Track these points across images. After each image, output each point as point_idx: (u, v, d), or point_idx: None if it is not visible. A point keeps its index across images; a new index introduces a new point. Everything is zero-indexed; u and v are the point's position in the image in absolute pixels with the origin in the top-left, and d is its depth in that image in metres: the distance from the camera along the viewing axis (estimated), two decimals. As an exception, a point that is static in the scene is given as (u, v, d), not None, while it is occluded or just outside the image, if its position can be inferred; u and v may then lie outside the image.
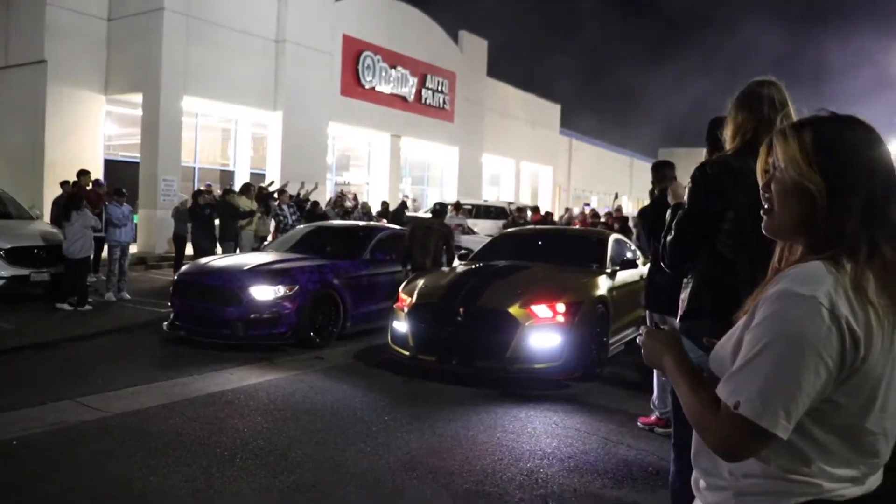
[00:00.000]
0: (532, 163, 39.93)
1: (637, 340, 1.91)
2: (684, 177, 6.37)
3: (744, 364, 1.45)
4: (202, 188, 15.64)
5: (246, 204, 14.64)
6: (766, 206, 1.60)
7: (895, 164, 1.51)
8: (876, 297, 1.42)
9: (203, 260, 10.46)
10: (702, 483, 1.66)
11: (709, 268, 3.19)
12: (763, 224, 1.62)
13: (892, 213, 1.46)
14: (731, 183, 3.07)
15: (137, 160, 19.79)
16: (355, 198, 21.03)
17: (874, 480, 1.53)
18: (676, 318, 3.80)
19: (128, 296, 12.40)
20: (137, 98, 19.62)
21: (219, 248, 13.97)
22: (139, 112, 19.64)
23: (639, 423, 6.33)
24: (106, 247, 12.73)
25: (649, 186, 6.75)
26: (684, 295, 3.37)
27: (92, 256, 12.61)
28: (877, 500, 1.52)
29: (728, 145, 3.23)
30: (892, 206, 1.47)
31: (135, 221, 14.60)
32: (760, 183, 1.63)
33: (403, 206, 22.18)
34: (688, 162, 8.99)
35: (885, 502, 1.57)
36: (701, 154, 3.91)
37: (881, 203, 1.46)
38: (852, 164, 1.48)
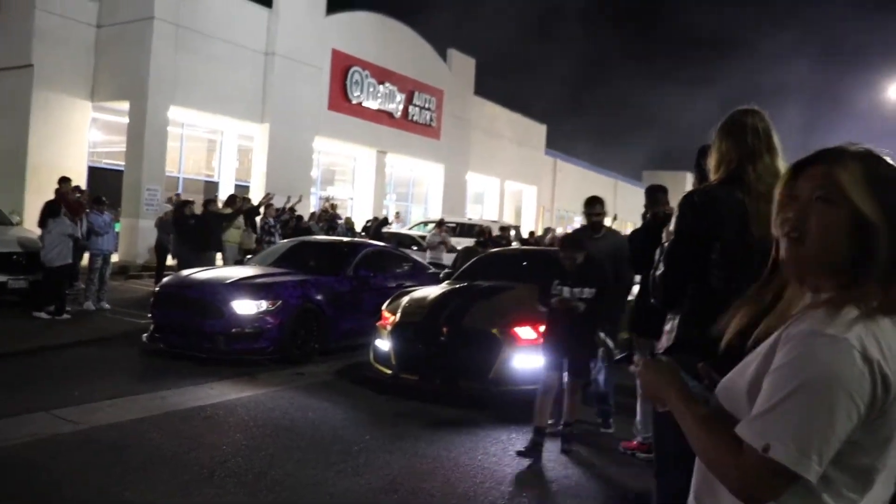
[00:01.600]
0: (516, 182, 40.05)
1: (631, 369, 1.88)
2: (672, 201, 6.41)
3: (772, 406, 1.40)
4: (173, 197, 15.54)
5: (239, 222, 14.51)
6: (794, 235, 1.53)
7: None
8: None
9: (185, 272, 10.37)
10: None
11: (697, 300, 3.15)
12: (785, 254, 1.56)
13: None
14: (718, 212, 3.06)
15: (122, 168, 19.69)
16: (333, 207, 20.96)
17: None
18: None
19: (107, 305, 12.28)
20: (124, 106, 19.54)
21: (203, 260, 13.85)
22: (125, 120, 19.57)
23: (621, 448, 6.31)
24: (87, 255, 12.60)
25: (633, 208, 6.85)
26: (669, 327, 3.34)
27: (71, 264, 12.49)
28: None
29: (712, 175, 3.21)
30: None
31: (116, 230, 14.47)
32: (781, 209, 1.57)
33: (385, 222, 22.06)
34: (672, 184, 9.02)
35: None
36: (685, 178, 3.92)
37: None
38: None
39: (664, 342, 3.42)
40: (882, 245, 1.44)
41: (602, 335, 5.40)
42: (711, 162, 3.22)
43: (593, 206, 7.02)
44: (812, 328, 1.41)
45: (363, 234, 19.51)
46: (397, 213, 27.88)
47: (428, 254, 17.04)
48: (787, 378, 1.40)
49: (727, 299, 3.00)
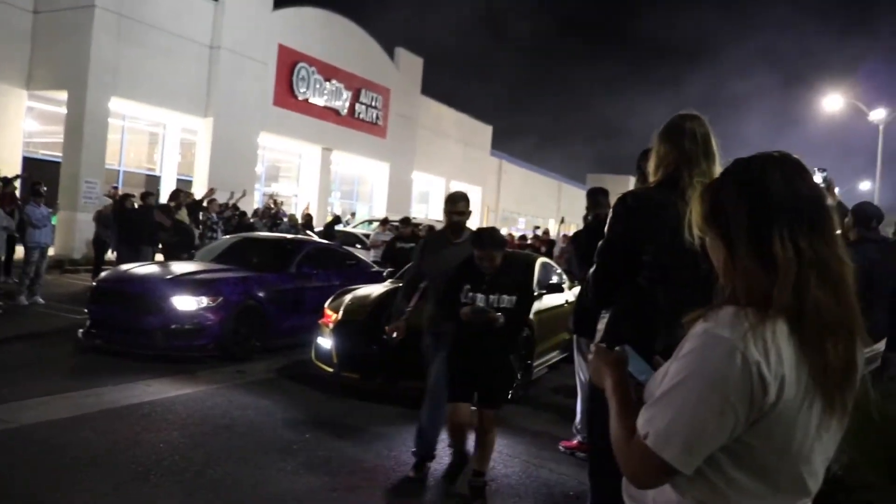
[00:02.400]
0: (462, 182, 40.11)
1: (588, 358, 1.94)
2: (612, 202, 6.50)
3: (661, 396, 1.49)
4: (111, 191, 15.19)
5: (182, 217, 14.20)
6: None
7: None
8: (790, 348, 1.45)
9: (124, 266, 10.16)
10: (631, 490, 1.69)
11: (628, 299, 3.21)
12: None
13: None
14: (652, 215, 3.10)
15: (59, 159, 19.18)
16: (276, 203, 20.67)
17: None
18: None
19: (41, 300, 11.95)
20: (62, 96, 19.04)
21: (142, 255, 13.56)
22: (63, 110, 19.07)
23: (560, 447, 6.38)
24: (22, 248, 12.24)
25: (577, 211, 6.86)
26: (601, 325, 3.41)
27: (4, 258, 12.14)
28: None
29: (651, 178, 3.26)
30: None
31: (53, 223, 14.08)
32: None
33: (337, 220, 21.68)
34: (615, 188, 9.12)
35: None
36: (629, 181, 3.99)
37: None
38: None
39: (597, 338, 3.48)
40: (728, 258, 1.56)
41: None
42: (650, 165, 3.27)
43: (455, 203, 5.59)
44: (707, 327, 1.49)
45: (306, 231, 19.29)
46: (353, 213, 27.70)
47: (372, 252, 16.98)
48: (677, 371, 1.49)
49: (654, 299, 3.07)
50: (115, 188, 16.35)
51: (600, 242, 3.36)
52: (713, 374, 1.42)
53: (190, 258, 11.64)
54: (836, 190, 7.30)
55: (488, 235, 4.97)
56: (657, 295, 3.05)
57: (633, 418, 1.56)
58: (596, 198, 6.42)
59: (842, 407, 1.52)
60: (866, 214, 5.90)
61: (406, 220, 14.81)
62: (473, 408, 5.02)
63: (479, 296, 4.86)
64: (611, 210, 3.38)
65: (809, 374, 1.45)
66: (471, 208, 5.75)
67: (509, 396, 5.26)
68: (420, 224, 18.72)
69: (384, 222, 19.49)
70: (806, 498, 1.57)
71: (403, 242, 12.80)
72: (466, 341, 4.94)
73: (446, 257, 5.38)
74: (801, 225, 1.50)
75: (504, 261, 4.94)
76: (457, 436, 5.12)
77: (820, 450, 1.54)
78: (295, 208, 25.75)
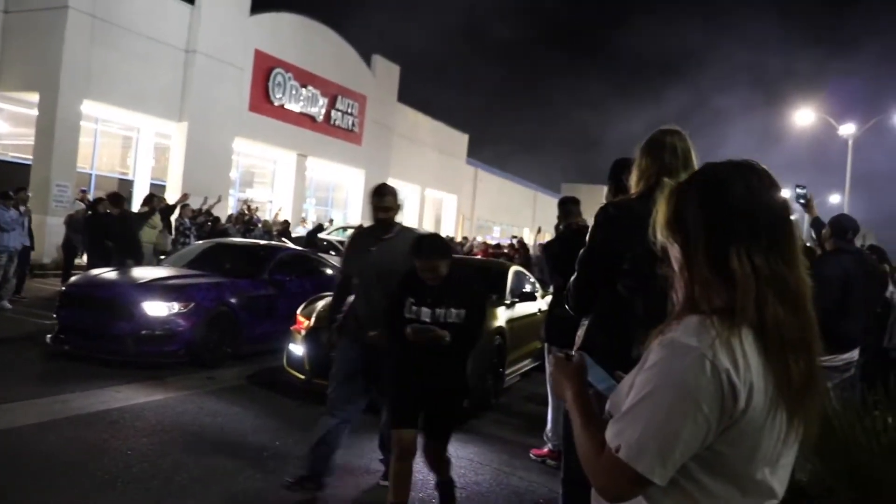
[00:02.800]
0: (437, 190, 40.22)
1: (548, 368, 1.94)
2: (587, 211, 6.55)
3: (629, 409, 1.48)
4: (79, 194, 15.01)
5: (155, 222, 14.09)
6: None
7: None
8: (757, 356, 1.46)
9: (95, 271, 10.05)
10: None
11: (606, 308, 3.25)
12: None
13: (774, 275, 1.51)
14: (632, 225, 3.15)
15: (30, 162, 18.95)
16: (250, 209, 20.53)
17: None
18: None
19: (9, 305, 11.79)
20: (33, 97, 18.83)
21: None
22: (34, 112, 18.85)
23: (531, 455, 6.40)
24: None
25: (551, 220, 6.87)
26: (580, 332, 3.44)
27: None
28: None
29: (633, 189, 3.33)
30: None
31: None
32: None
33: (320, 228, 21.33)
34: (589, 197, 9.23)
35: None
36: (602, 191, 4.03)
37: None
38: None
39: (576, 347, 3.51)
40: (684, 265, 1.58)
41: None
42: (633, 177, 3.34)
43: (382, 197, 5.15)
44: (673, 337, 1.49)
45: (282, 239, 19.18)
46: (331, 220, 27.58)
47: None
48: (644, 383, 1.48)
49: (632, 308, 3.11)
50: (84, 191, 16.14)
51: (581, 251, 3.40)
52: (683, 383, 1.42)
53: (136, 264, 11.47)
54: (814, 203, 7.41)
55: (429, 244, 4.44)
56: (636, 304, 3.10)
57: (599, 430, 1.56)
58: (567, 207, 6.46)
59: (804, 418, 1.54)
60: (842, 226, 6.02)
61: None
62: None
63: (424, 310, 4.36)
64: (593, 219, 3.44)
65: (774, 385, 1.47)
66: (400, 202, 5.29)
67: (464, 407, 4.83)
68: None
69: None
70: (774, 501, 1.59)
71: None
72: (411, 361, 4.43)
73: (375, 255, 5.04)
74: (759, 242, 1.50)
75: (452, 271, 4.44)
76: (401, 468, 4.40)
77: (786, 454, 1.56)
78: (269, 214, 25.64)
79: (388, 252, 5.00)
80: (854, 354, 5.66)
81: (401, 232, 5.21)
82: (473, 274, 5.02)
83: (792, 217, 1.59)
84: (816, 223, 6.69)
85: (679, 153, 3.18)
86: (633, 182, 3.30)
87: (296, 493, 4.91)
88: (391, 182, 27.31)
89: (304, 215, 28.59)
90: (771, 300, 1.47)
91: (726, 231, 1.51)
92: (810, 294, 1.55)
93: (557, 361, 1.83)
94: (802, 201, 6.83)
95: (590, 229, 3.38)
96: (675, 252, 1.61)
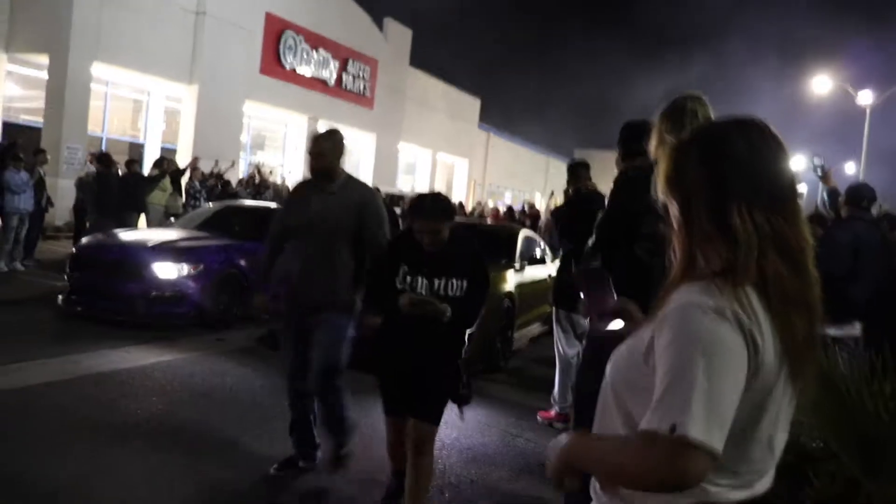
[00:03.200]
0: (449, 154, 40.04)
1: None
2: (599, 176, 6.50)
3: (668, 387, 1.38)
4: (89, 158, 15.01)
5: (165, 185, 14.11)
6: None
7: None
8: (762, 312, 1.43)
9: (105, 233, 10.08)
10: (597, 485, 1.64)
11: (624, 272, 3.24)
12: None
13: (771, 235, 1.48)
14: (650, 189, 3.14)
15: (40, 125, 18.94)
16: (260, 172, 20.48)
17: (763, 485, 1.54)
18: (583, 316, 3.89)
19: (21, 267, 11.86)
20: (43, 60, 18.75)
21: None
22: (44, 74, 18.79)
23: (538, 418, 6.42)
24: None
25: (564, 185, 6.82)
26: None
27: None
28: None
29: (653, 155, 3.32)
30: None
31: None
32: None
33: None
34: (602, 163, 9.13)
35: None
36: (615, 157, 4.00)
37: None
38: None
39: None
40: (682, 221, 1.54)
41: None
42: (653, 143, 3.33)
43: (316, 143, 4.53)
44: (685, 301, 1.43)
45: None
46: None
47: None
48: (671, 355, 1.40)
49: (651, 270, 3.10)
50: (93, 154, 16.13)
51: (600, 214, 3.40)
52: (712, 342, 1.36)
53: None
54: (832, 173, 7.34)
55: (430, 201, 3.88)
56: (655, 267, 3.09)
57: (630, 437, 1.45)
58: (577, 171, 6.42)
59: (803, 378, 1.52)
60: (858, 194, 5.98)
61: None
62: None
63: (421, 280, 3.84)
64: (613, 184, 3.43)
65: (780, 343, 1.44)
66: (343, 148, 4.62)
67: (458, 399, 4.05)
68: (403, 196, 18.62)
69: (376, 191, 19.41)
70: (772, 464, 1.57)
71: None
72: (401, 338, 3.94)
73: (314, 209, 4.48)
74: (760, 198, 1.47)
75: (453, 236, 3.91)
76: (398, 458, 4.15)
77: (784, 418, 1.55)
78: (280, 178, 25.64)
79: (330, 207, 4.47)
80: (855, 330, 5.63)
81: (346, 184, 4.60)
82: (475, 240, 4.29)
83: (795, 179, 1.55)
84: (833, 193, 6.63)
85: (700, 119, 3.16)
86: (654, 147, 3.28)
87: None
88: (403, 146, 27.01)
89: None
90: (772, 257, 1.44)
91: (727, 187, 1.48)
92: (812, 254, 1.52)
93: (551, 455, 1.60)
94: (819, 172, 6.76)
95: (609, 193, 3.37)
96: (673, 210, 1.57)
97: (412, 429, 3.90)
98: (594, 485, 1.65)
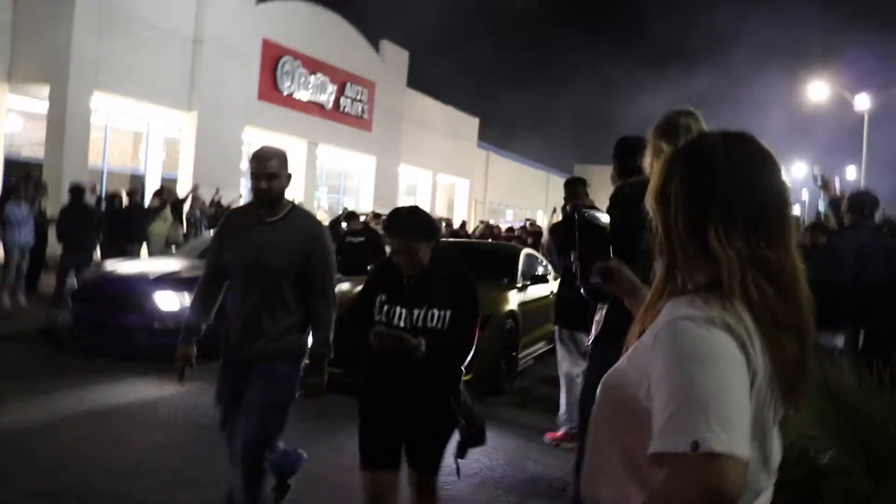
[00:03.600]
0: (449, 175, 40.12)
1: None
2: (599, 192, 6.49)
3: (678, 406, 1.30)
4: (94, 189, 15.06)
5: (166, 215, 14.14)
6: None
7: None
8: (753, 328, 1.38)
9: (107, 265, 10.08)
10: None
11: None
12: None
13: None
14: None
15: (41, 161, 18.99)
16: None
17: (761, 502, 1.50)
18: (587, 334, 3.86)
19: (24, 300, 11.84)
20: (44, 91, 18.83)
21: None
22: (45, 107, 18.87)
23: (546, 439, 6.37)
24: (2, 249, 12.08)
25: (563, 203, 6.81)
26: (598, 317, 3.41)
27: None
28: None
29: (648, 171, 3.31)
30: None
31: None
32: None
33: (352, 215, 20.13)
34: (602, 178, 9.11)
35: None
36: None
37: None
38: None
39: (594, 332, 3.49)
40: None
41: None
42: (647, 159, 3.32)
43: (262, 163, 3.82)
44: (677, 315, 1.39)
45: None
46: (345, 209, 27.55)
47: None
48: (676, 372, 1.33)
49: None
50: (94, 183, 16.17)
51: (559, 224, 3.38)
52: (712, 349, 1.31)
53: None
54: (837, 181, 7.32)
55: (405, 216, 3.46)
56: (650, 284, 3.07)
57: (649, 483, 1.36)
58: (574, 188, 6.41)
59: (794, 401, 1.47)
60: (860, 202, 5.98)
61: (352, 215, 13.96)
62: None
63: (398, 310, 3.39)
64: (609, 201, 3.42)
65: (770, 363, 1.40)
66: (289, 171, 3.97)
67: (455, 452, 3.53)
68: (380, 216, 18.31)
69: (376, 216, 19.36)
70: (769, 482, 1.52)
71: (352, 237, 12.12)
72: (381, 379, 3.51)
73: (255, 243, 3.79)
74: (735, 224, 1.42)
75: (438, 259, 3.46)
76: None
77: (776, 437, 1.51)
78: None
79: (274, 240, 3.80)
80: (839, 341, 5.61)
81: (292, 212, 3.95)
82: (466, 264, 3.77)
83: (783, 197, 1.49)
84: (835, 203, 6.61)
85: (694, 133, 3.14)
86: (648, 164, 3.27)
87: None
88: (403, 168, 26.84)
89: (317, 204, 28.56)
90: (756, 280, 1.39)
91: (705, 208, 1.44)
92: (803, 277, 1.47)
93: None
94: (819, 182, 6.75)
95: (607, 209, 3.36)
96: (657, 224, 1.55)
97: (411, 481, 3.49)
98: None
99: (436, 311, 3.35)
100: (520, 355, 8.53)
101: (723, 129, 1.56)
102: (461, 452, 3.53)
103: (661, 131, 3.23)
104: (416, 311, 3.37)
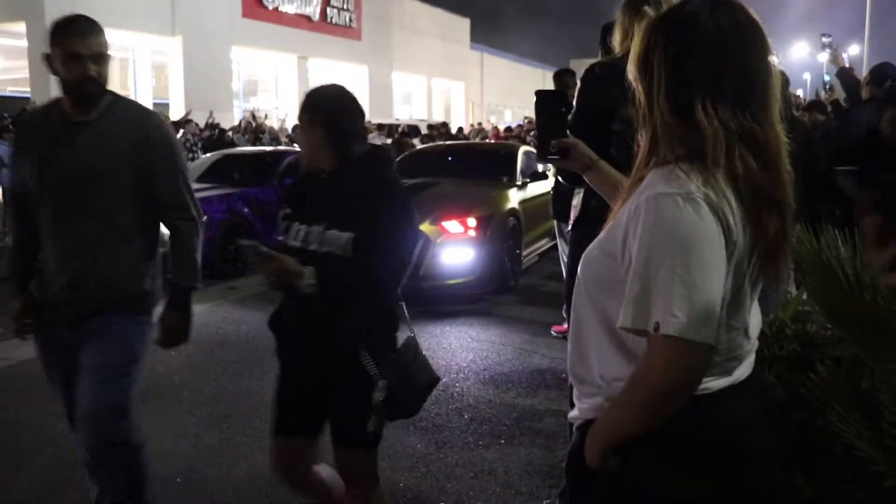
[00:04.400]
0: (444, 79, 39.56)
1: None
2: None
3: (645, 281, 1.35)
4: None
5: None
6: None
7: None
8: (734, 200, 1.39)
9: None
10: (576, 391, 1.63)
11: None
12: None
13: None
14: (620, 84, 3.08)
15: (28, 95, 18.78)
16: (255, 118, 20.32)
17: (742, 371, 1.53)
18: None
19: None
20: (21, 28, 18.48)
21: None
22: (25, 43, 18.55)
23: (552, 332, 6.47)
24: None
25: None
26: (576, 202, 3.41)
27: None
28: (741, 390, 1.53)
29: (617, 49, 3.22)
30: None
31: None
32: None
33: None
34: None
35: (753, 390, 1.59)
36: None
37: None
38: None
39: (572, 217, 3.50)
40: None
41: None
42: (616, 37, 3.24)
43: (85, 39, 2.75)
44: (654, 192, 1.39)
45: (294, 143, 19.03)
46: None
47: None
48: (646, 248, 1.36)
49: (627, 168, 3.06)
50: None
51: (570, 115, 3.34)
52: (690, 231, 1.33)
53: None
54: (845, 56, 7.19)
55: (313, 95, 2.67)
56: (630, 166, 3.05)
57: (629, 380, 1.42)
58: (563, 80, 6.36)
59: (775, 273, 1.49)
60: (882, 74, 5.85)
61: None
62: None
63: (296, 227, 2.59)
64: (579, 82, 3.36)
65: (751, 234, 1.41)
66: (110, 53, 2.81)
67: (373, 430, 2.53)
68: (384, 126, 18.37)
69: (380, 126, 19.23)
70: (750, 349, 1.56)
71: None
72: (289, 323, 2.68)
73: (67, 155, 2.74)
74: (724, 95, 1.40)
75: (358, 162, 2.59)
76: (299, 487, 2.85)
77: (754, 305, 1.54)
78: (275, 122, 25.45)
79: (92, 147, 2.76)
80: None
81: (115, 105, 2.83)
82: (389, 170, 2.78)
83: (770, 70, 1.46)
84: (843, 73, 6.49)
85: (663, 6, 3.06)
86: (617, 42, 3.20)
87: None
88: (396, 76, 26.46)
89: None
90: (741, 153, 1.39)
91: (690, 79, 1.41)
92: (785, 152, 1.46)
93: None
94: (829, 51, 6.62)
95: (577, 91, 3.31)
96: (639, 95, 1.51)
97: (335, 460, 2.69)
98: (573, 392, 1.64)
99: (334, 233, 2.49)
100: (524, 253, 8.59)
101: None
102: (373, 423, 2.50)
103: (628, 6, 3.15)
104: (315, 229, 2.54)
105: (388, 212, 2.53)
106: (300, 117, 2.61)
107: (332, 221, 2.51)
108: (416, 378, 2.64)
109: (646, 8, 3.05)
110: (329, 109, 2.59)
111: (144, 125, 2.86)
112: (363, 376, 2.48)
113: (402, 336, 2.67)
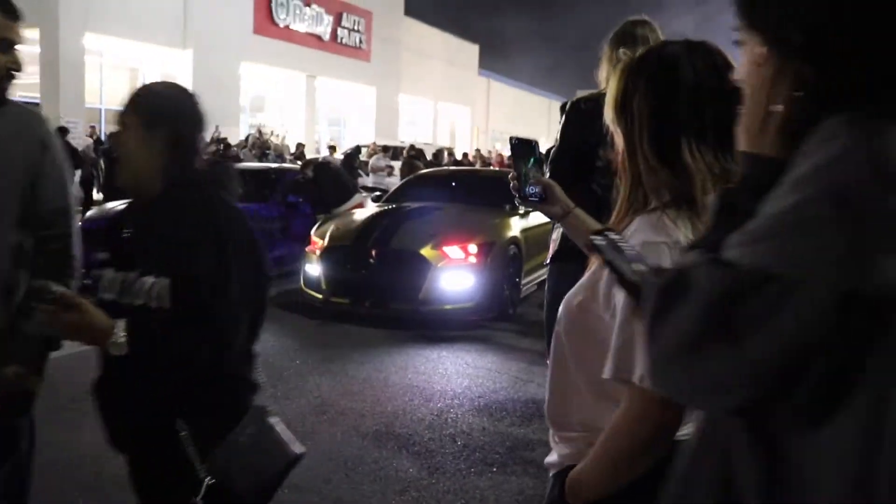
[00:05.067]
0: (450, 103, 39.77)
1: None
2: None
3: (631, 336, 1.31)
4: (89, 130, 14.98)
5: None
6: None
7: None
8: None
9: (110, 205, 10.11)
10: (554, 435, 1.59)
11: (582, 207, 3.21)
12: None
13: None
14: (604, 120, 3.09)
15: (38, 101, 18.87)
16: (261, 133, 20.36)
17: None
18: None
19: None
20: (34, 34, 18.59)
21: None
22: (37, 49, 18.66)
23: (548, 362, 6.45)
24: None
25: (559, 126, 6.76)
26: (555, 235, 3.41)
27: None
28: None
29: (602, 85, 3.25)
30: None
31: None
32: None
33: (357, 151, 18.99)
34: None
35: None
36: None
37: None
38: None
39: (551, 250, 3.51)
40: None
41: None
42: (602, 73, 3.27)
43: None
44: (646, 238, 1.37)
45: (298, 161, 19.08)
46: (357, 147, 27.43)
47: (372, 177, 16.82)
48: (627, 304, 1.32)
49: (608, 206, 3.06)
50: (93, 127, 16.13)
51: (553, 148, 3.35)
52: None
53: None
54: None
55: (147, 94, 2.15)
56: (611, 202, 3.05)
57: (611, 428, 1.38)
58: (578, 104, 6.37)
59: None
60: None
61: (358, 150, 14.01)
62: None
63: (109, 274, 2.02)
64: (564, 115, 3.38)
65: None
66: (21, 37, 2.44)
67: None
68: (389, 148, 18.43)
69: (385, 148, 19.30)
70: None
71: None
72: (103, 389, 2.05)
73: None
74: (705, 136, 1.39)
75: (186, 181, 2.00)
76: None
77: None
78: (280, 139, 25.57)
79: None
80: None
81: (6, 107, 2.45)
82: (214, 193, 1.98)
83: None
84: None
85: (651, 44, 3.09)
86: (603, 78, 3.22)
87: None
88: (403, 98, 26.61)
89: (317, 137, 28.39)
90: None
91: (674, 122, 1.40)
92: None
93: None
94: None
95: (561, 125, 3.32)
96: (618, 139, 1.50)
97: None
98: (551, 436, 1.61)
99: (148, 281, 1.89)
100: (523, 281, 8.58)
101: (684, 39, 1.49)
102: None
103: (616, 43, 3.18)
104: (130, 276, 1.94)
105: (215, 246, 1.85)
106: (125, 121, 2.02)
107: (146, 265, 1.91)
108: (262, 465, 1.95)
109: (621, 50, 3.07)
110: (171, 113, 2.03)
111: (39, 131, 2.51)
112: (181, 471, 1.84)
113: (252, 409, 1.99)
